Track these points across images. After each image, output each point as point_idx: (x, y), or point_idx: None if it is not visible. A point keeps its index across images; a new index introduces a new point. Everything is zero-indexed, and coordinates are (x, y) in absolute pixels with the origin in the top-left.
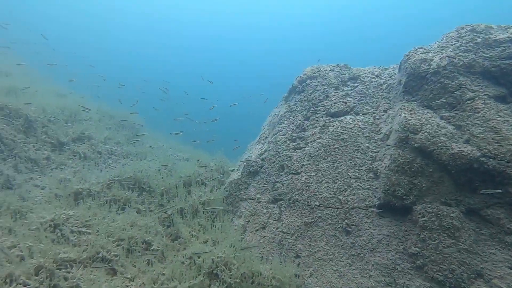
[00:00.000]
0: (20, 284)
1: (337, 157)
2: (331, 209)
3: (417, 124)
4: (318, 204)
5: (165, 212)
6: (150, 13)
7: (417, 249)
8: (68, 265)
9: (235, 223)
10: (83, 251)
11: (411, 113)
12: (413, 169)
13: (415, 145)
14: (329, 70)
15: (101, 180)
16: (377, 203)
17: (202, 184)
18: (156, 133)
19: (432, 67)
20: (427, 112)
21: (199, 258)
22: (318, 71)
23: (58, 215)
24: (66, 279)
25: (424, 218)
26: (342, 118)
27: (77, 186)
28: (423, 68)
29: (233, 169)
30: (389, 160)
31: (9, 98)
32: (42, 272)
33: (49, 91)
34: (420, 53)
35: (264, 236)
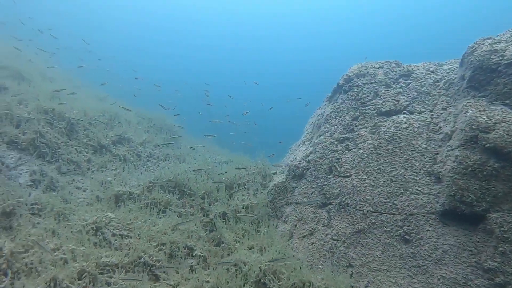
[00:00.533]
0: None
1: (391, 159)
2: (386, 215)
3: (489, 122)
4: (371, 209)
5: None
6: (178, 15)
7: (495, 263)
8: (110, 270)
9: (281, 229)
10: (125, 256)
11: (480, 110)
12: (485, 172)
13: (487, 145)
14: (378, 68)
15: (141, 183)
16: (440, 209)
17: (244, 187)
18: (193, 136)
19: (506, 57)
20: (501, 108)
21: (245, 265)
22: (365, 69)
23: (100, 218)
24: (108, 284)
25: (502, 229)
26: (394, 117)
27: (118, 188)
28: (493, 60)
29: (275, 172)
30: (454, 162)
31: (53, 102)
32: (85, 277)
33: (91, 95)
34: (489, 44)
35: (313, 243)
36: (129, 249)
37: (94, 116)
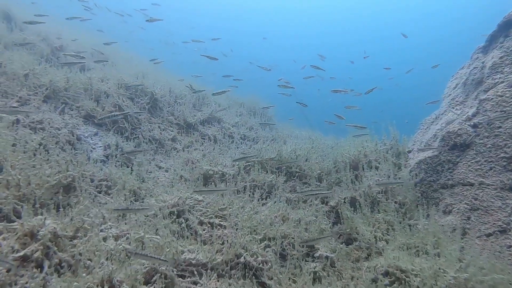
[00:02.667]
0: None
1: None
2: None
3: None
4: None
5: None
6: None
7: None
8: (195, 272)
9: (442, 222)
10: (216, 252)
11: None
12: None
13: None
14: None
15: (236, 162)
16: None
17: (372, 167)
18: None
19: None
20: None
21: (415, 277)
22: None
23: (183, 199)
24: None
25: None
26: None
27: (207, 167)
28: None
29: (411, 150)
30: None
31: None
32: (156, 280)
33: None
34: None
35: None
36: (222, 243)
37: (181, 94)
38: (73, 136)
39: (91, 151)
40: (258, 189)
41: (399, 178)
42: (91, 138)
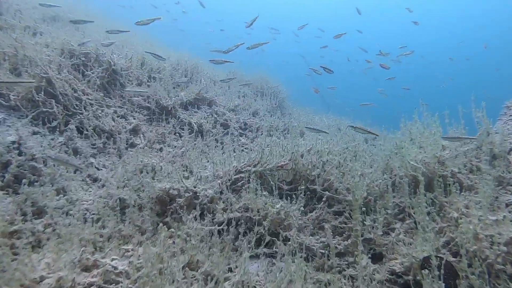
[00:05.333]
0: None
1: None
2: None
3: None
4: None
5: None
6: None
7: None
8: None
9: None
10: None
11: None
12: None
13: None
14: None
15: (222, 172)
16: None
17: (462, 187)
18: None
19: None
20: None
21: None
22: None
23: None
24: None
25: None
26: None
27: (164, 185)
28: None
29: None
30: None
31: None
32: None
33: None
34: None
35: None
36: None
37: (159, 68)
38: None
39: None
40: (253, 228)
41: None
42: None
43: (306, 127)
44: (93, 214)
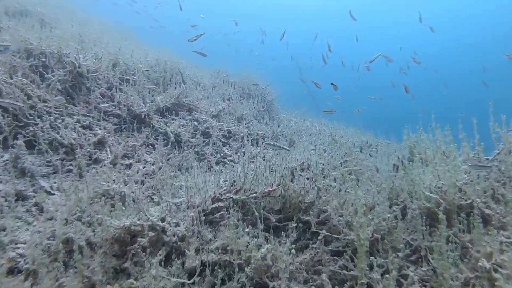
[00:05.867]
0: None
1: None
2: None
3: None
4: None
5: None
6: None
7: None
8: None
9: None
10: None
11: None
12: None
13: None
14: None
15: (197, 201)
16: None
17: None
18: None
19: None
20: None
21: None
22: None
23: None
24: None
25: None
26: None
27: (117, 223)
28: None
29: None
30: None
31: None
32: None
33: None
34: None
35: None
36: None
37: (134, 69)
38: None
39: None
40: (232, 275)
41: None
42: None
43: (266, 143)
44: (27, 263)
